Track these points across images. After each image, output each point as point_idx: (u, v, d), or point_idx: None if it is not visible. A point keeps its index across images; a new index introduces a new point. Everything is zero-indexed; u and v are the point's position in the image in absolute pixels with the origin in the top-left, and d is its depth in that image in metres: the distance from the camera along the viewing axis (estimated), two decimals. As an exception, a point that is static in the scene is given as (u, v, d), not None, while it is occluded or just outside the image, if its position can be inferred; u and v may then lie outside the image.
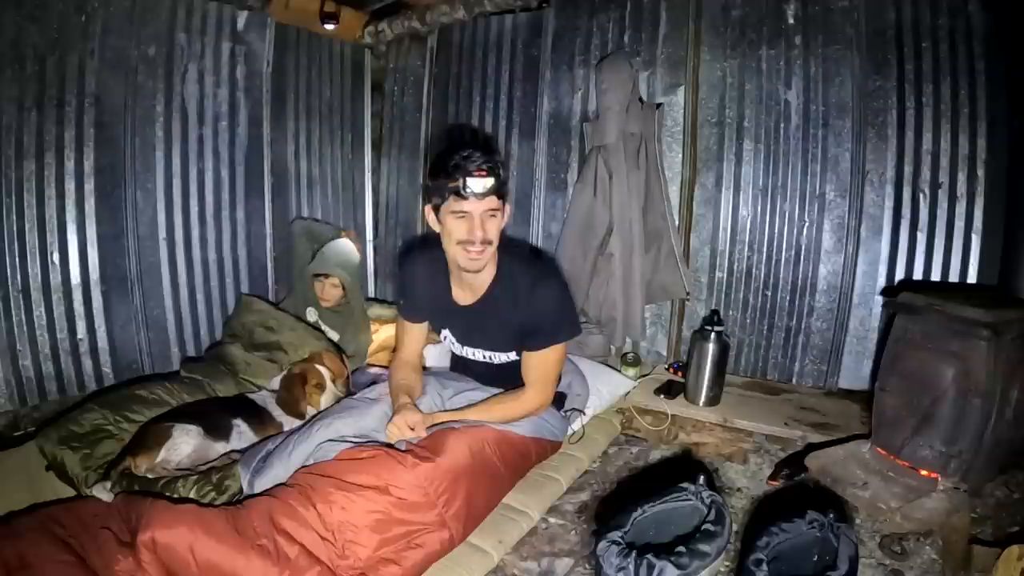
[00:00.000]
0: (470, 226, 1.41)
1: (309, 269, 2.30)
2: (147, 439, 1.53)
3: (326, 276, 2.27)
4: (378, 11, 2.92)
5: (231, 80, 2.48)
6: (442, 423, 1.48)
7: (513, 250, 1.60)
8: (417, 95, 3.05)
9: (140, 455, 1.48)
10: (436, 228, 1.51)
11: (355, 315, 2.34)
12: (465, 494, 1.33)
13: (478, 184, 1.38)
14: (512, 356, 1.62)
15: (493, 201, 1.42)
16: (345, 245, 2.36)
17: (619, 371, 2.24)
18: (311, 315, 2.32)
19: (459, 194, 1.39)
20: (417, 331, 1.71)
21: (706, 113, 2.38)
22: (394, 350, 1.80)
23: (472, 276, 1.53)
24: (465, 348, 1.69)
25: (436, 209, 1.47)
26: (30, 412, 1.97)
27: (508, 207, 1.51)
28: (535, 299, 1.51)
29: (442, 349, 1.85)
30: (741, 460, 1.90)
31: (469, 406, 1.56)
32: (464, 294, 1.61)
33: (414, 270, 1.68)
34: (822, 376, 2.28)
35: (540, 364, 1.54)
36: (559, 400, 1.76)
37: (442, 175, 1.41)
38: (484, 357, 1.67)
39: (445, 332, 1.70)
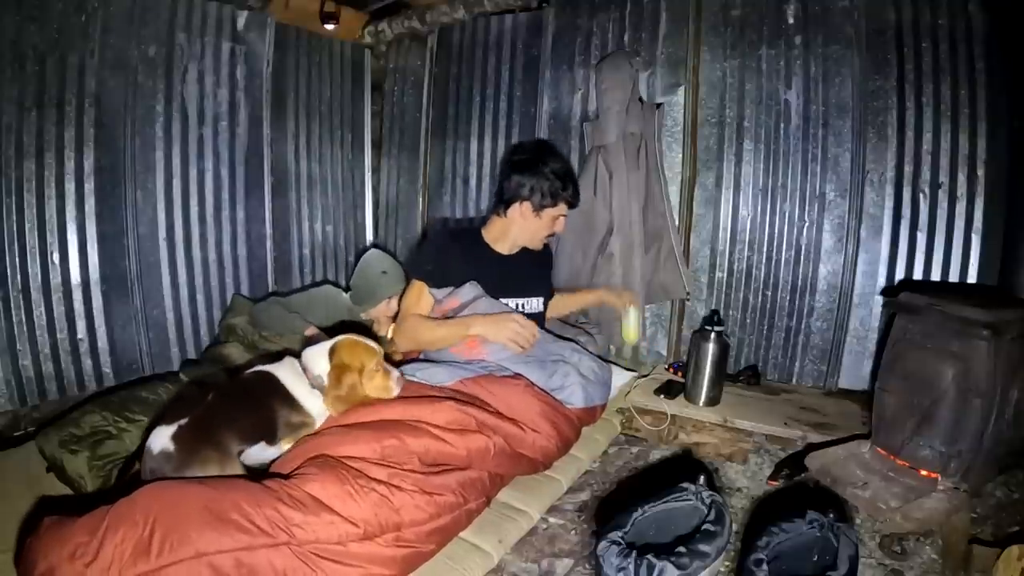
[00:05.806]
0: (560, 225, 1.87)
1: (382, 292, 2.20)
2: None
3: (390, 297, 2.20)
4: (378, 11, 2.92)
5: (231, 80, 2.48)
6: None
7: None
8: (417, 95, 3.05)
9: None
10: (521, 219, 1.82)
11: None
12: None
13: None
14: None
15: None
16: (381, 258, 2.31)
17: (619, 364, 2.24)
18: None
19: (571, 204, 1.85)
20: (429, 296, 1.84)
21: (706, 113, 2.37)
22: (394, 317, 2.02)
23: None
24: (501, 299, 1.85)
25: (539, 207, 1.79)
26: (30, 412, 1.98)
27: None
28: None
29: None
30: (741, 460, 1.90)
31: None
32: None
33: (456, 245, 1.90)
34: (822, 376, 2.28)
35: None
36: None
37: (563, 186, 1.79)
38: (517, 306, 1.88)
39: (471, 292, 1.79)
